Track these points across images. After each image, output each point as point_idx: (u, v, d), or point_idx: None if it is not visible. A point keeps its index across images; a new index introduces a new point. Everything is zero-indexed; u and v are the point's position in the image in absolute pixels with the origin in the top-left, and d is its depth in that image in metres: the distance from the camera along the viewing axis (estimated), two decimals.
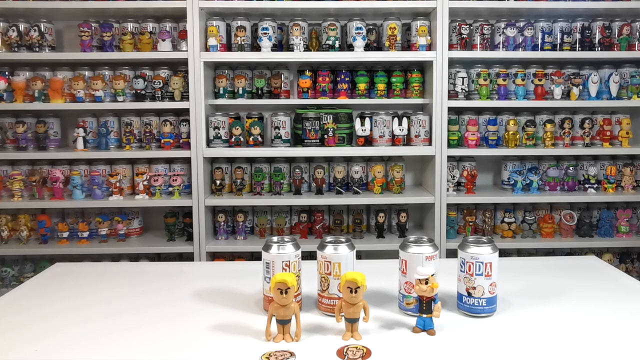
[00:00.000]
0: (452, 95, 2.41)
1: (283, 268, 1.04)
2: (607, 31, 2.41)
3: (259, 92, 2.46)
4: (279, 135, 2.41)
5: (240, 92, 2.45)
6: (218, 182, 2.39)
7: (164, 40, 2.34)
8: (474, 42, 2.43)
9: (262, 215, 2.47)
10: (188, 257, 2.40)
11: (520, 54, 2.39)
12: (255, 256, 2.41)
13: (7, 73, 2.42)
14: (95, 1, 2.30)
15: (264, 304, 1.07)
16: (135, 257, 2.44)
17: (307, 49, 2.44)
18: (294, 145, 2.43)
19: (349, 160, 2.53)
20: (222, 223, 2.41)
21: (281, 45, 2.49)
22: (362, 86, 2.42)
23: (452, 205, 2.41)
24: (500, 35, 2.41)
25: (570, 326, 1.01)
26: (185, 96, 2.39)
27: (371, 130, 2.41)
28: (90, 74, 2.47)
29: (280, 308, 0.92)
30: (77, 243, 2.40)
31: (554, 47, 2.43)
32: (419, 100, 2.45)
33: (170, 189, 2.42)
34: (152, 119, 2.49)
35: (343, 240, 1.06)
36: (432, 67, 2.32)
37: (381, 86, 2.42)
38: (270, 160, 2.51)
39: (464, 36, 2.40)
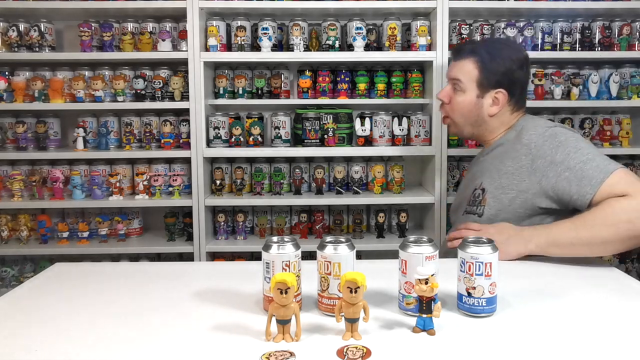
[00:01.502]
0: None
1: (283, 268, 1.04)
2: (607, 31, 2.41)
3: (259, 92, 2.46)
4: (279, 135, 2.41)
5: (240, 92, 2.45)
6: (218, 182, 2.39)
7: (164, 40, 2.34)
8: None
9: (262, 215, 2.47)
10: (188, 257, 2.40)
11: None
12: (255, 256, 2.41)
13: (7, 73, 2.43)
14: (95, 1, 2.31)
15: (264, 304, 1.07)
16: (135, 257, 2.44)
17: (307, 49, 2.44)
18: (294, 145, 2.43)
19: (349, 160, 2.53)
20: (222, 223, 2.41)
21: (281, 45, 2.49)
22: (362, 86, 2.42)
23: None
24: (500, 35, 2.41)
25: (571, 326, 1.01)
26: (185, 96, 2.39)
27: (371, 130, 2.41)
28: (90, 74, 2.47)
29: (280, 308, 0.92)
30: (77, 243, 2.40)
31: (554, 47, 2.43)
32: (419, 100, 2.45)
33: (170, 189, 2.42)
34: (152, 119, 2.49)
35: (343, 240, 1.06)
36: (432, 67, 2.32)
37: (381, 86, 2.43)
38: (270, 160, 2.51)
39: (464, 36, 2.40)
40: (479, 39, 1.73)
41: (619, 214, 1.27)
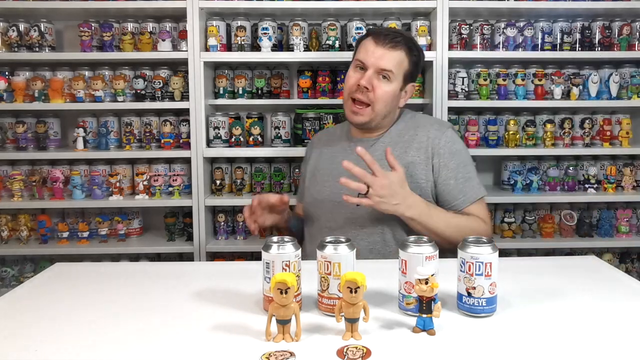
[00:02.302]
0: (452, 95, 2.41)
1: (283, 268, 1.04)
2: (607, 31, 2.41)
3: (259, 92, 2.46)
4: (279, 135, 2.41)
5: (240, 92, 2.45)
6: (218, 182, 2.39)
7: (164, 40, 2.34)
8: (474, 42, 2.43)
9: None
10: (188, 257, 2.40)
11: (520, 54, 2.39)
12: (255, 256, 2.41)
13: (7, 73, 2.43)
14: (95, 1, 2.31)
15: (264, 304, 1.07)
16: (135, 257, 2.44)
17: (307, 49, 2.44)
18: (294, 145, 2.43)
19: None
20: (222, 223, 2.41)
21: (281, 45, 2.49)
22: None
23: None
24: (500, 35, 2.41)
25: (570, 326, 1.01)
26: (185, 96, 2.39)
27: None
28: (90, 74, 2.47)
29: (280, 308, 0.92)
30: (77, 243, 2.40)
31: (554, 47, 2.43)
32: (419, 100, 2.45)
33: (170, 189, 2.42)
34: (152, 119, 2.49)
35: (343, 240, 1.06)
36: (432, 67, 2.32)
37: None
38: (270, 160, 2.51)
39: (464, 36, 2.40)
40: (396, 29, 1.63)
41: (474, 232, 1.36)
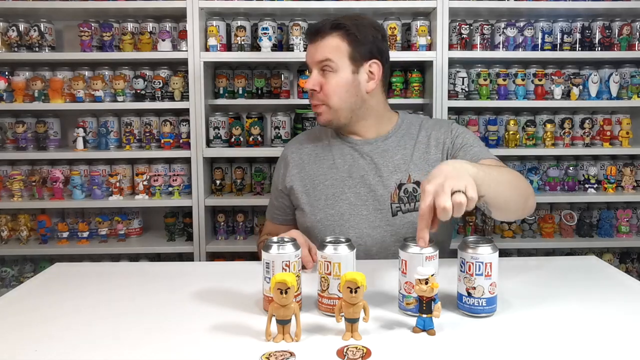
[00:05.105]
0: (452, 95, 2.41)
1: (283, 268, 1.04)
2: (607, 31, 2.41)
3: (259, 92, 2.46)
4: (279, 135, 2.41)
5: (240, 92, 2.45)
6: (218, 182, 2.39)
7: (164, 40, 2.34)
8: (474, 42, 2.43)
9: (262, 215, 2.47)
10: (188, 257, 2.40)
11: (520, 54, 2.39)
12: (255, 256, 2.41)
13: (7, 73, 2.43)
14: (95, 1, 2.31)
15: (264, 304, 1.07)
16: (135, 257, 2.44)
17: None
18: None
19: None
20: (222, 223, 2.41)
21: (281, 45, 2.49)
22: None
23: None
24: (500, 35, 2.41)
25: (571, 326, 1.01)
26: (185, 96, 2.39)
27: None
28: (90, 74, 2.47)
29: (280, 308, 0.92)
30: (77, 243, 2.40)
31: (554, 47, 2.43)
32: (419, 100, 2.45)
33: (170, 189, 2.42)
34: (152, 119, 2.49)
35: (343, 240, 1.06)
36: (432, 67, 2.32)
37: None
38: (270, 160, 2.51)
39: (464, 36, 2.40)
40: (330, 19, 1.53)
41: (522, 181, 1.35)
